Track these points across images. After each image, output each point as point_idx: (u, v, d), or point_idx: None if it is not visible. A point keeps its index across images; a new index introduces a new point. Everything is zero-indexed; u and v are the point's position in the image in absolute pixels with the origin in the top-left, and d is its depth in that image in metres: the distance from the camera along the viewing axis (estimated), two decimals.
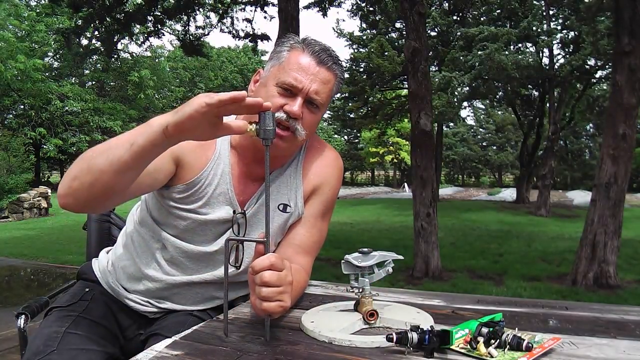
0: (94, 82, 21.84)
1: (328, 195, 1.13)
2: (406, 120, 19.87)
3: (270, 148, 0.99)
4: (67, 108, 18.65)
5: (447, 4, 14.92)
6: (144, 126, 0.83)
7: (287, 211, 1.08)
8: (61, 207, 0.89)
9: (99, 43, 19.66)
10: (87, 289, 1.16)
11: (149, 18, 8.50)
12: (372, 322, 0.89)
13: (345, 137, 38.51)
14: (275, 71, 1.02)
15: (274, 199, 1.07)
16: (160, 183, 1.01)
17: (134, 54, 21.87)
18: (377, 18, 15.42)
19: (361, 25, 16.76)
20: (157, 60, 22.77)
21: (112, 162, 0.82)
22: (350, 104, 17.24)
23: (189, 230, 1.06)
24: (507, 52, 11.81)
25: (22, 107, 19.29)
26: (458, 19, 14.82)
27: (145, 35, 9.64)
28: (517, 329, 0.77)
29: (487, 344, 0.74)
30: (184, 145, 0.99)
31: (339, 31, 17.10)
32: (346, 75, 16.43)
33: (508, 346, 0.74)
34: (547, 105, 13.30)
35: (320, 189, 1.11)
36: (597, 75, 12.99)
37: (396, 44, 15.31)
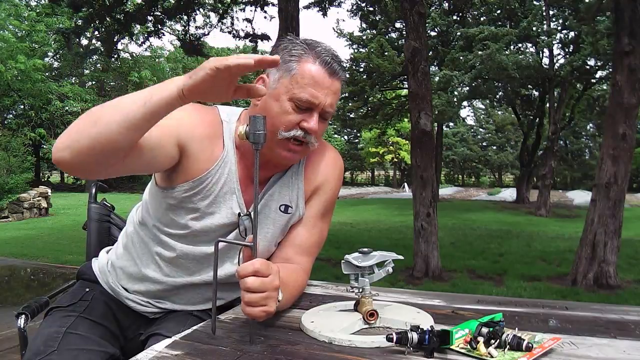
0: (94, 82, 21.83)
1: (328, 195, 1.12)
2: (406, 120, 19.87)
3: (284, 159, 1.01)
4: (67, 108, 18.64)
5: (447, 4, 14.92)
6: (159, 86, 0.82)
7: (288, 212, 1.08)
8: (55, 161, 0.84)
9: (99, 43, 19.74)
10: (87, 289, 1.16)
11: (149, 18, 8.49)
12: (372, 322, 0.89)
13: (345, 137, 38.50)
14: (287, 84, 0.97)
15: (276, 199, 1.07)
16: (158, 165, 0.97)
17: (134, 54, 21.88)
18: (377, 18, 15.41)
19: (361, 25, 16.75)
20: (157, 61, 22.76)
21: (122, 117, 0.81)
22: (350, 104, 17.21)
23: (192, 232, 1.05)
24: (507, 52, 11.81)
25: (22, 107, 19.28)
26: (458, 19, 14.81)
27: (145, 35, 9.64)
28: (517, 329, 0.77)
29: (487, 344, 0.74)
30: (192, 133, 0.99)
31: (339, 31, 17.09)
32: (346, 75, 16.44)
33: (508, 346, 0.74)
34: (547, 105, 13.30)
35: (321, 189, 1.11)
36: (597, 75, 12.99)
37: (396, 44, 15.30)
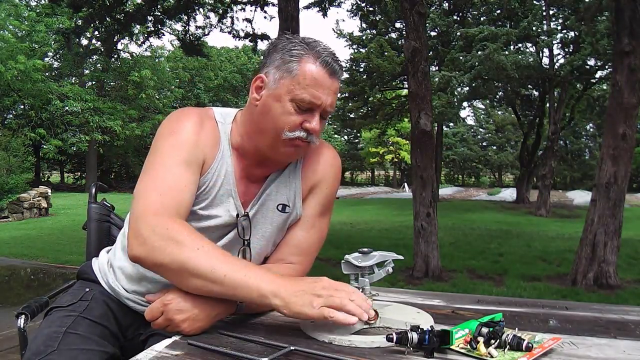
0: (94, 82, 21.82)
1: (326, 193, 1.12)
2: (406, 120, 19.88)
3: (289, 157, 1.04)
4: (67, 108, 18.62)
5: (447, 4, 14.92)
6: (250, 289, 0.86)
7: (286, 211, 1.08)
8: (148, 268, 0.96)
9: (99, 43, 19.73)
10: (87, 289, 1.15)
11: (149, 18, 8.50)
12: (372, 322, 0.89)
13: (345, 137, 38.49)
14: (289, 85, 0.98)
15: (273, 199, 1.07)
16: None
17: (134, 54, 21.87)
18: (377, 18, 15.42)
19: (361, 25, 16.77)
20: (157, 61, 22.75)
21: (206, 292, 0.89)
22: (350, 104, 17.22)
23: None
24: (507, 52, 11.82)
25: (22, 107, 19.27)
26: (458, 19, 14.82)
27: (145, 35, 9.65)
28: (517, 329, 0.77)
29: (487, 344, 0.74)
30: (206, 149, 1.01)
31: (338, 31, 17.11)
32: (346, 75, 16.46)
33: (508, 346, 0.74)
34: (547, 105, 13.31)
35: (318, 187, 1.11)
36: (597, 75, 13.00)
37: (396, 44, 15.31)
